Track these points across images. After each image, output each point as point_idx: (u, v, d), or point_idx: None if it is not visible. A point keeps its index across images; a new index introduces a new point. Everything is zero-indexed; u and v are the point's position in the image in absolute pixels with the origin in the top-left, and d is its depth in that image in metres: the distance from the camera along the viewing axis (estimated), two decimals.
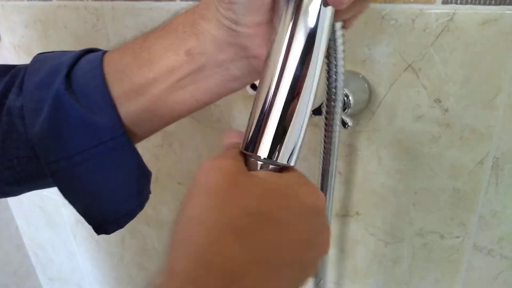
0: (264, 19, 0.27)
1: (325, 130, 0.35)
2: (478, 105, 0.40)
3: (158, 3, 0.55)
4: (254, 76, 0.31)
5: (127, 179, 0.33)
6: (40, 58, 0.34)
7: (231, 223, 0.20)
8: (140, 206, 0.36)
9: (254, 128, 0.26)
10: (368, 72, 0.44)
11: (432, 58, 0.40)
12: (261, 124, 0.25)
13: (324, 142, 0.36)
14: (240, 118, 0.57)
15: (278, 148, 0.25)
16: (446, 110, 0.42)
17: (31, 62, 0.33)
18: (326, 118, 0.34)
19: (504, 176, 0.42)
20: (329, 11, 0.25)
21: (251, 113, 0.26)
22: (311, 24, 0.25)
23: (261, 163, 0.26)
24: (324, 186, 0.46)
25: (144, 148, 0.37)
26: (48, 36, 0.70)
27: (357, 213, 0.53)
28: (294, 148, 0.26)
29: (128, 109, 0.31)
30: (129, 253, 0.89)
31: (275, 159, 0.25)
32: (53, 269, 1.16)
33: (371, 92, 0.45)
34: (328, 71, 0.30)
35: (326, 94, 0.31)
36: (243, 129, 0.27)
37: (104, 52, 0.33)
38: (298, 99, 0.25)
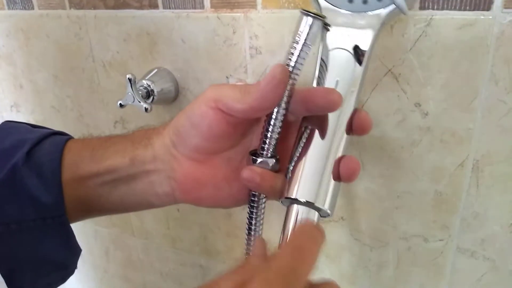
0: (196, 157, 0.33)
1: None
2: (457, 109, 0.41)
3: (141, 12, 0.55)
4: (170, 200, 0.36)
5: (57, 254, 0.36)
6: (5, 127, 0.38)
7: None
8: (62, 280, 0.39)
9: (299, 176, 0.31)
10: None
11: (411, 63, 0.41)
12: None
13: None
14: None
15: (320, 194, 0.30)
16: (426, 114, 0.43)
17: None
18: None
19: (484, 178, 0.43)
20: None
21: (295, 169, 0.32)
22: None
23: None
24: None
25: None
26: (30, 45, 0.69)
27: (342, 218, 0.53)
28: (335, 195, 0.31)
29: (70, 194, 0.35)
30: (113, 265, 0.88)
31: (316, 203, 0.30)
32: None
33: None
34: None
35: None
36: None
37: (69, 138, 0.37)
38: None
